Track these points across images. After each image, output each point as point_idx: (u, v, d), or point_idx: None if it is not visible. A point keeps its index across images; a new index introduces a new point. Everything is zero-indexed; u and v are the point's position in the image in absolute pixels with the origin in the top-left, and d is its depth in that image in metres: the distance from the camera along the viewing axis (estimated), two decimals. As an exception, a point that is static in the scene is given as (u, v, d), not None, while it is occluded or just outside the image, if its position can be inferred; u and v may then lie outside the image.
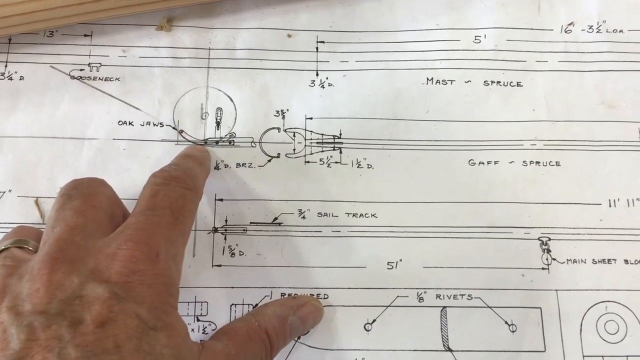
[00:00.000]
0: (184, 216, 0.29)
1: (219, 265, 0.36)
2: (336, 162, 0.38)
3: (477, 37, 0.40)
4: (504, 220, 0.37)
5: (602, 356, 0.35)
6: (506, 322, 0.35)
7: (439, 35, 0.40)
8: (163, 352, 0.24)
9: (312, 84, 0.39)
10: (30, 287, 0.24)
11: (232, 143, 0.38)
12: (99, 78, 0.39)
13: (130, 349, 0.23)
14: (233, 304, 0.35)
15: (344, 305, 0.35)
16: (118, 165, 0.37)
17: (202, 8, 0.40)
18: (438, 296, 0.35)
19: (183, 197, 0.29)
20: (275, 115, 0.38)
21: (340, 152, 0.38)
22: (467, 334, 0.35)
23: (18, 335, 0.23)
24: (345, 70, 0.39)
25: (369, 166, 0.38)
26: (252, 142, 0.38)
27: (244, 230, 0.36)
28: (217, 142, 0.38)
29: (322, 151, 0.38)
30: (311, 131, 0.38)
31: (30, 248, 0.29)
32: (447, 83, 0.39)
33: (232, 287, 0.35)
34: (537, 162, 0.38)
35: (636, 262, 0.36)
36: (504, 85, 0.39)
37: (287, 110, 0.38)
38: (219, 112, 0.38)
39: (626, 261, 0.36)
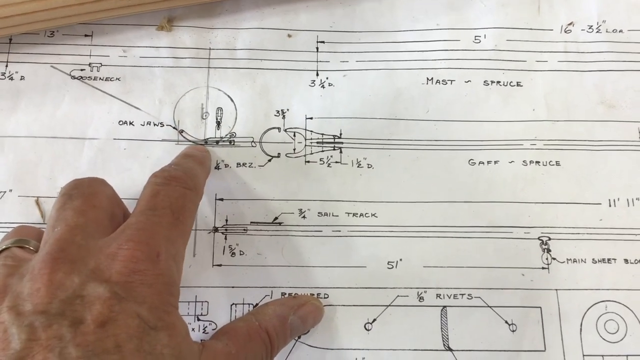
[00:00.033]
0: (184, 216, 0.29)
1: (220, 265, 0.36)
2: (336, 162, 0.38)
3: (477, 37, 0.40)
4: (504, 220, 0.37)
5: (602, 355, 0.35)
6: (506, 322, 0.35)
7: (439, 35, 0.40)
8: (164, 352, 0.24)
9: (313, 84, 0.39)
10: (31, 286, 0.24)
11: (232, 143, 0.38)
12: (100, 78, 0.39)
13: (131, 348, 0.23)
14: (233, 304, 0.35)
15: (344, 305, 0.35)
16: (118, 165, 0.37)
17: (203, 8, 0.40)
18: (438, 296, 0.35)
19: (183, 197, 0.30)
20: (275, 115, 0.38)
21: (341, 152, 0.38)
22: (467, 333, 0.35)
23: (19, 335, 0.23)
24: (345, 70, 0.39)
25: (369, 166, 0.38)
26: (253, 141, 0.38)
27: (244, 229, 0.36)
28: (217, 141, 0.38)
29: (322, 151, 0.38)
30: (311, 131, 0.38)
31: (31, 248, 0.29)
32: (447, 83, 0.39)
33: (233, 287, 0.35)
34: (537, 162, 0.38)
35: (636, 261, 0.36)
36: (504, 85, 0.39)
37: (288, 110, 0.39)
38: (219, 112, 0.38)
39: (626, 261, 0.36)
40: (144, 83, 0.39)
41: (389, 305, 0.35)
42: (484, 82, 0.39)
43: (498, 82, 0.39)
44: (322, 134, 0.38)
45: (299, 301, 0.34)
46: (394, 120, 0.38)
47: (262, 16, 0.40)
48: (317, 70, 0.39)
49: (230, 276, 0.35)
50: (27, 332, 0.23)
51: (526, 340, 0.35)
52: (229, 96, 0.39)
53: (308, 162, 0.38)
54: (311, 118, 0.38)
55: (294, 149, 0.38)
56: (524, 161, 0.38)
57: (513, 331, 0.35)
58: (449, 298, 0.35)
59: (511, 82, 0.39)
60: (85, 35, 0.40)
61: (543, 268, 0.36)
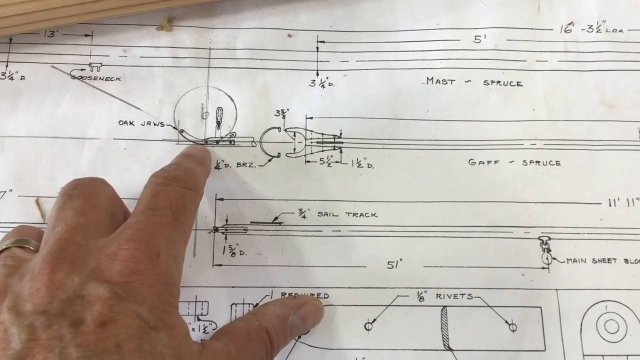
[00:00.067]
0: (184, 216, 0.29)
1: (220, 265, 0.36)
2: (336, 162, 0.38)
3: (477, 37, 0.40)
4: (504, 220, 0.37)
5: (602, 355, 0.35)
6: (506, 322, 0.35)
7: (439, 35, 0.40)
8: (164, 352, 0.24)
9: (313, 84, 0.39)
10: (31, 286, 0.24)
11: (232, 143, 0.38)
12: (100, 78, 0.39)
13: (131, 348, 0.23)
14: (234, 304, 0.35)
15: (344, 305, 0.35)
16: (119, 164, 0.37)
17: (203, 8, 0.40)
18: (438, 295, 0.35)
19: (183, 197, 0.30)
20: (275, 115, 0.38)
21: (341, 152, 0.38)
22: (467, 333, 0.35)
23: (19, 335, 0.23)
24: (345, 70, 0.39)
25: (369, 166, 0.38)
26: (253, 141, 0.38)
27: (244, 229, 0.36)
28: (217, 141, 0.38)
29: (323, 151, 0.38)
30: (311, 131, 0.38)
31: (31, 248, 0.29)
32: (447, 83, 0.39)
33: (233, 287, 0.35)
34: (537, 162, 0.38)
35: (636, 261, 0.36)
36: (504, 84, 0.39)
37: (288, 109, 0.39)
38: (219, 112, 0.38)
39: (626, 260, 0.36)
40: (144, 83, 0.39)
41: (389, 305, 0.35)
42: (484, 81, 0.39)
43: (498, 81, 0.39)
44: (322, 134, 0.38)
45: (299, 301, 0.34)
46: (394, 120, 0.38)
47: (262, 16, 0.40)
48: (317, 70, 0.39)
49: (230, 276, 0.35)
50: (28, 332, 0.23)
51: (526, 340, 0.35)
52: (229, 96, 0.39)
53: (308, 162, 0.38)
54: (311, 118, 0.38)
55: (294, 149, 0.38)
56: (524, 161, 0.38)
57: (513, 331, 0.35)
58: (449, 298, 0.35)
59: (511, 81, 0.39)
60: (86, 35, 0.40)
61: (543, 268, 0.36)
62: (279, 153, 0.38)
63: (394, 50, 0.40)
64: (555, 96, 0.39)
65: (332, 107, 0.39)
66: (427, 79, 0.39)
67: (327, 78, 0.39)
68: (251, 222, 0.36)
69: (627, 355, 0.35)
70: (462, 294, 0.35)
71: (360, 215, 0.37)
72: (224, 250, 0.36)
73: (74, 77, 0.39)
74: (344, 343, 0.35)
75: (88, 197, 0.28)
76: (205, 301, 0.35)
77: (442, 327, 0.35)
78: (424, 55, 0.40)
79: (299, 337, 0.34)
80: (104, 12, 0.36)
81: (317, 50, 0.40)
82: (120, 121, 0.38)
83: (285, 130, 0.38)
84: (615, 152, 0.38)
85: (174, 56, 0.39)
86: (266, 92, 0.39)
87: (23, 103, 0.38)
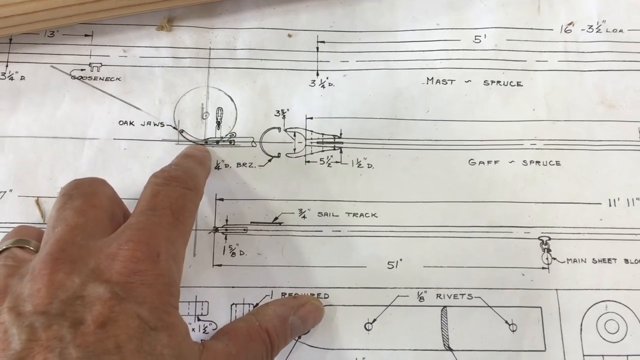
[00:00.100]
0: (184, 216, 0.29)
1: (220, 265, 0.36)
2: (336, 162, 0.38)
3: (477, 37, 0.40)
4: (504, 220, 0.37)
5: (603, 355, 0.35)
6: (506, 322, 0.35)
7: (439, 35, 0.40)
8: (164, 353, 0.24)
9: (313, 84, 0.39)
10: (31, 287, 0.24)
11: (232, 143, 0.38)
12: (100, 78, 0.39)
13: (131, 349, 0.23)
14: (234, 304, 0.35)
15: (344, 305, 0.35)
16: (119, 165, 0.37)
17: (203, 8, 0.40)
18: (438, 296, 0.35)
19: (183, 197, 0.30)
20: (275, 115, 0.38)
21: (341, 152, 0.38)
22: (467, 333, 0.35)
23: (19, 335, 0.23)
24: (345, 70, 0.39)
25: (369, 166, 0.38)
26: (253, 141, 0.38)
27: (244, 229, 0.36)
28: (217, 141, 0.38)
29: (323, 151, 0.38)
30: (311, 131, 0.38)
31: (31, 248, 0.29)
32: (447, 83, 0.39)
33: (233, 287, 0.35)
34: (537, 162, 0.38)
35: (636, 261, 0.36)
36: (504, 84, 0.39)
37: (288, 110, 0.39)
38: (219, 112, 0.38)
39: (626, 260, 0.36)
40: (144, 83, 0.39)
41: (389, 305, 0.35)
42: (484, 81, 0.39)
43: (498, 81, 0.39)
44: (322, 134, 0.38)
45: (299, 301, 0.34)
46: (394, 120, 0.38)
47: (262, 16, 0.40)
48: (317, 70, 0.39)
49: (230, 276, 0.35)
50: (28, 333, 0.23)
51: (526, 340, 0.35)
52: (229, 96, 0.39)
53: (308, 162, 0.38)
54: (311, 118, 0.38)
55: (294, 149, 0.38)
56: (524, 161, 0.38)
57: (513, 331, 0.35)
58: (449, 298, 0.35)
59: (511, 81, 0.39)
60: (86, 35, 0.40)
61: (543, 268, 0.36)
62: (279, 153, 0.38)
63: (394, 50, 0.40)
64: (555, 96, 0.39)
65: (332, 107, 0.39)
66: (427, 79, 0.39)
67: (327, 78, 0.39)
68: (251, 222, 0.36)
69: (627, 356, 0.35)
70: (462, 294, 0.35)
71: (360, 215, 0.37)
72: (224, 251, 0.36)
73: (74, 77, 0.39)
74: (344, 343, 0.35)
75: (88, 197, 0.28)
76: (205, 301, 0.35)
77: (442, 327, 0.35)
78: (424, 55, 0.40)
79: (299, 337, 0.34)
80: (104, 12, 0.36)
81: (317, 50, 0.40)
82: (120, 121, 0.38)
83: (285, 130, 0.38)
84: (615, 152, 0.38)
85: (174, 56, 0.39)
86: (266, 92, 0.39)
87: (23, 103, 0.38)
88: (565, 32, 0.40)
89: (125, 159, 0.37)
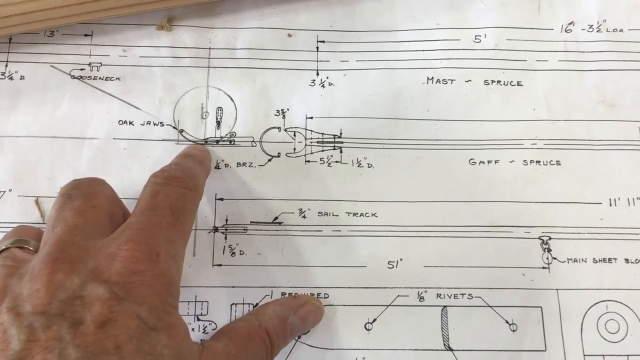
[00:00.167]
0: (184, 216, 0.29)
1: (220, 265, 0.36)
2: (336, 162, 0.38)
3: (477, 37, 0.40)
4: (504, 220, 0.37)
5: (603, 355, 0.35)
6: (507, 322, 0.35)
7: (439, 35, 0.40)
8: (163, 353, 0.24)
9: (313, 84, 0.39)
10: (30, 287, 0.24)
11: (232, 142, 0.38)
12: (100, 78, 0.39)
13: (130, 349, 0.23)
14: (233, 304, 0.35)
15: (344, 305, 0.35)
16: (118, 164, 0.37)
17: (203, 8, 0.40)
18: (438, 295, 0.35)
19: (183, 197, 0.29)
20: (275, 115, 0.38)
21: (341, 152, 0.38)
22: (467, 333, 0.35)
23: (18, 336, 0.23)
24: (345, 69, 0.39)
25: (369, 165, 0.38)
26: (253, 141, 0.38)
27: (244, 229, 0.36)
28: (217, 141, 0.38)
29: (323, 150, 0.38)
30: (311, 130, 0.38)
31: (31, 248, 0.29)
32: (447, 82, 0.39)
33: (233, 287, 0.35)
34: (538, 162, 0.38)
35: (637, 261, 0.36)
36: (504, 84, 0.39)
37: (288, 109, 0.38)
38: (219, 112, 0.38)
39: (627, 260, 0.36)
40: (144, 83, 0.39)
41: (389, 305, 0.35)
42: (484, 81, 0.39)
43: (498, 81, 0.39)
44: (322, 134, 0.38)
45: (299, 301, 0.34)
46: (394, 119, 0.38)
47: (262, 16, 0.40)
48: (317, 70, 0.39)
49: (230, 276, 0.35)
50: (27, 333, 0.23)
51: (527, 340, 0.35)
52: (229, 96, 0.39)
53: (308, 161, 0.38)
54: (311, 118, 0.38)
55: (294, 149, 0.38)
56: (524, 161, 0.38)
57: (514, 331, 0.35)
58: (450, 298, 0.35)
59: (511, 81, 0.39)
60: (85, 35, 0.39)
61: (543, 268, 0.36)
62: (279, 153, 0.38)
63: (394, 50, 0.40)
64: (556, 96, 0.39)
65: (332, 107, 0.39)
66: (427, 78, 0.39)
67: (327, 78, 0.39)
68: (251, 222, 0.36)
69: (627, 355, 0.35)
70: (463, 294, 0.35)
71: (361, 215, 0.37)
72: (223, 250, 0.36)
73: (73, 77, 0.39)
74: (344, 343, 0.35)
75: (87, 197, 0.28)
76: (205, 301, 0.35)
77: (442, 327, 0.35)
78: (424, 55, 0.40)
79: (299, 337, 0.34)
80: (104, 11, 0.36)
81: (317, 50, 0.40)
82: (120, 121, 0.38)
83: (285, 130, 0.38)
84: (615, 152, 0.38)
85: (173, 56, 0.39)
86: (266, 92, 0.39)
87: (23, 103, 0.38)
88: (566, 31, 0.40)
89: (125, 158, 0.37)
